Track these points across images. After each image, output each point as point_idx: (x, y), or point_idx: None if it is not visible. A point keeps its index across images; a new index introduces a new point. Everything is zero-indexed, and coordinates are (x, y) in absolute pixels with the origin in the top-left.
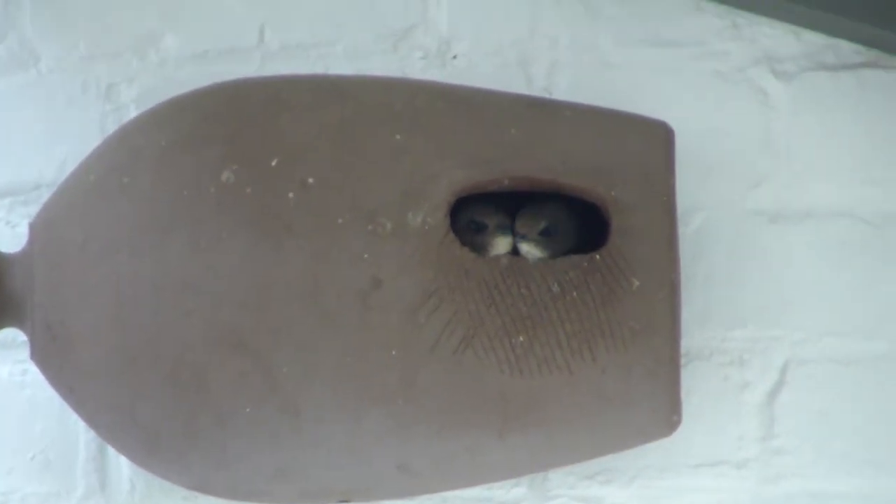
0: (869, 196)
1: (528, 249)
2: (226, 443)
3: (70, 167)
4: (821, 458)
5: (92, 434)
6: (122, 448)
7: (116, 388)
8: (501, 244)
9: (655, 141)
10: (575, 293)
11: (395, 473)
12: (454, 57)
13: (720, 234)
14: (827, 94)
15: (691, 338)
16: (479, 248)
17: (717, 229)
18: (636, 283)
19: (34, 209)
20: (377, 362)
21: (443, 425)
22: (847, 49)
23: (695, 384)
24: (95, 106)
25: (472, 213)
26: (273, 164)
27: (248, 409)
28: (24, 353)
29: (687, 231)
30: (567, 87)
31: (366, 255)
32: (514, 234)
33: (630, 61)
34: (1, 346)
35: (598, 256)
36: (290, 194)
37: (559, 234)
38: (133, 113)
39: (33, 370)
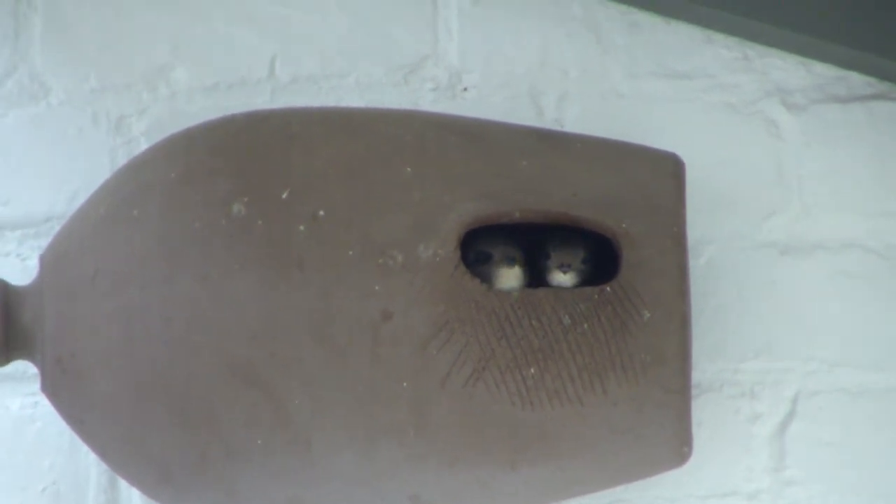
0: (880, 228)
1: (569, 279)
2: (236, 476)
3: (80, 200)
4: (832, 489)
5: (103, 466)
6: (133, 480)
7: (127, 420)
8: (507, 275)
9: (666, 173)
10: (586, 325)
11: None
12: (465, 89)
13: (731, 266)
14: (838, 126)
15: (702, 370)
16: (485, 279)
17: (728, 261)
18: (647, 315)
19: (44, 242)
20: (388, 395)
21: (454, 458)
22: (858, 81)
23: (705, 416)
24: (105, 139)
25: (479, 244)
26: (283, 196)
27: (259, 442)
28: (35, 385)
29: (698, 263)
30: (578, 118)
31: (376, 288)
32: (541, 262)
33: (640, 93)
34: (11, 378)
35: (608, 288)
36: (301, 227)
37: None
38: (143, 146)
39: (44, 402)
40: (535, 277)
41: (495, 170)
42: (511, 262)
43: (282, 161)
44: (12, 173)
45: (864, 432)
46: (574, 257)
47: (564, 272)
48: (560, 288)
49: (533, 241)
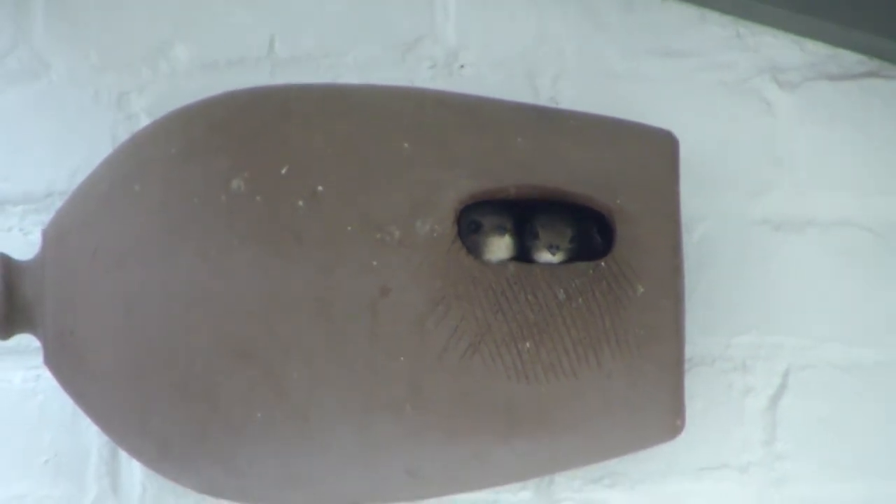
0: (872, 205)
1: (556, 259)
2: (236, 450)
3: (82, 176)
4: (823, 462)
5: (104, 438)
6: (134, 453)
7: (127, 395)
8: (497, 244)
9: (660, 150)
10: (581, 300)
11: (404, 479)
12: (462, 67)
13: (724, 242)
14: (830, 103)
15: (695, 344)
16: (476, 248)
17: (721, 238)
18: (641, 290)
19: (46, 217)
20: (385, 369)
21: (451, 431)
22: (850, 59)
23: (698, 389)
24: (106, 115)
25: (472, 214)
26: (283, 172)
27: (258, 416)
28: (37, 358)
29: (691, 239)
30: (573, 96)
31: (374, 264)
32: (528, 241)
33: (635, 71)
34: (14, 352)
35: (603, 264)
36: (300, 203)
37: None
38: (144, 122)
39: (46, 376)
40: (522, 255)
41: (491, 146)
42: (502, 231)
43: (281, 137)
44: (14, 149)
45: (855, 406)
46: (563, 238)
47: (553, 253)
48: (555, 263)
49: (522, 216)
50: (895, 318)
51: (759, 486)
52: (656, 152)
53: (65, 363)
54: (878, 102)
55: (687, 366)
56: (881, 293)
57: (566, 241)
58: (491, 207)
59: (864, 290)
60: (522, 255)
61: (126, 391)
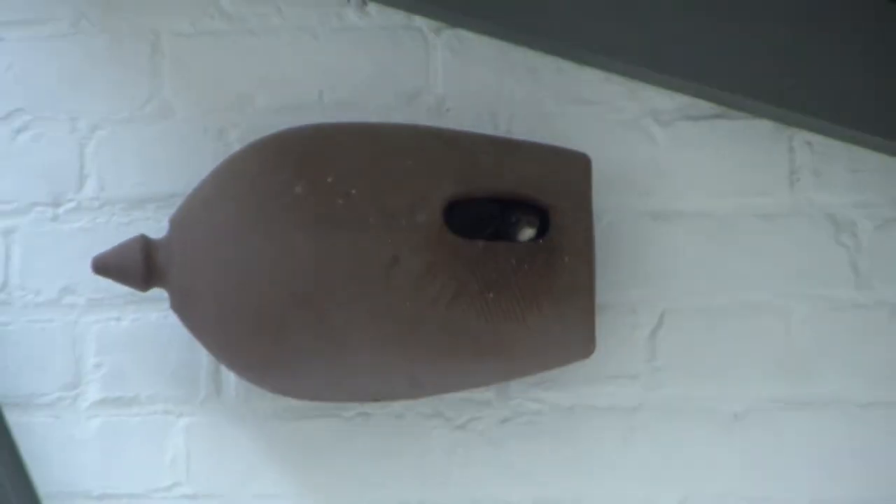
0: (718, 202)
1: (533, 231)
2: (297, 364)
3: (194, 183)
4: (686, 373)
5: (210, 357)
6: (230, 367)
7: (224, 328)
8: (527, 232)
9: (579, 166)
10: (527, 266)
11: (406, 384)
12: (447, 110)
13: (622, 228)
14: (692, 135)
15: (602, 296)
16: (513, 232)
17: (620, 225)
18: (567, 259)
19: (171, 210)
20: (395, 312)
21: (439, 353)
22: (704, 105)
23: (604, 325)
24: (211, 143)
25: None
26: (328, 181)
27: (310, 341)
28: (165, 305)
29: (600, 225)
30: (522, 130)
31: (388, 241)
32: (511, 226)
33: (563, 113)
34: (150, 300)
35: (541, 241)
36: (340, 201)
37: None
38: (236, 148)
39: (171, 316)
40: (479, 234)
41: (467, 164)
42: (533, 223)
43: (327, 158)
44: (150, 166)
45: (707, 336)
46: (534, 217)
47: (533, 226)
48: (510, 241)
49: (484, 212)
50: (734, 277)
51: (643, 388)
52: (577, 167)
53: (184, 308)
54: (723, 134)
55: (597, 310)
56: (725, 259)
57: (536, 220)
58: (473, 209)
59: (714, 258)
60: (490, 235)
61: (223, 326)
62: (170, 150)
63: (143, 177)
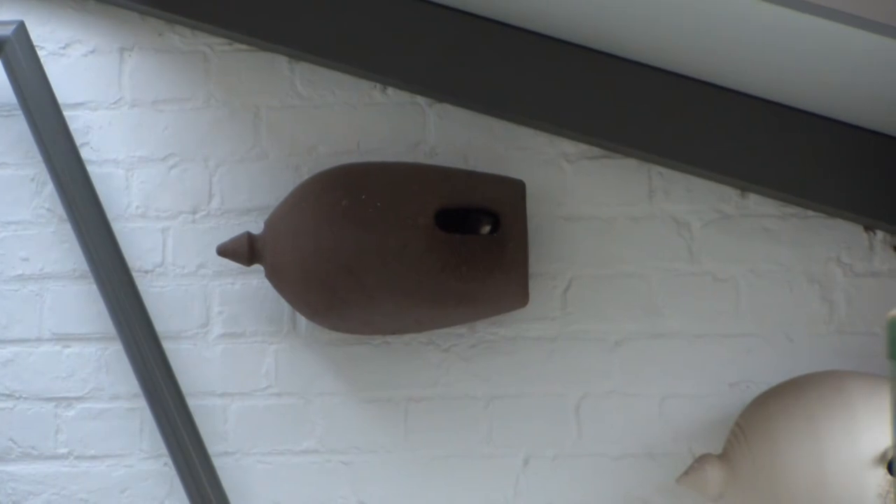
0: (604, 210)
1: (488, 229)
2: (344, 311)
3: (280, 199)
4: (585, 317)
5: (289, 307)
6: (303, 313)
7: (299, 289)
8: (486, 228)
9: (519, 188)
10: (486, 249)
11: (412, 324)
12: (437, 154)
13: (545, 226)
14: (588, 169)
15: (533, 269)
16: (477, 229)
17: (544, 225)
18: (510, 245)
19: (265, 215)
20: (406, 277)
21: (433, 304)
22: (596, 150)
23: (534, 286)
24: (291, 175)
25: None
26: (363, 197)
27: (352, 297)
28: (261, 274)
29: (531, 225)
30: (485, 166)
31: (402, 234)
32: (478, 225)
33: (510, 155)
34: (255, 271)
35: (495, 235)
36: (370, 210)
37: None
38: (306, 177)
39: (266, 283)
40: (459, 230)
41: (450, 187)
42: (490, 223)
43: (362, 182)
44: (253, 190)
45: (599, 294)
46: (490, 220)
47: (490, 224)
48: (476, 234)
49: (460, 217)
50: (614, 257)
51: (559, 326)
52: (517, 189)
53: (274, 277)
54: (608, 168)
55: (530, 277)
56: (609, 245)
57: (494, 223)
58: (465, 213)
59: (602, 244)
60: (464, 230)
61: (299, 287)
62: (265, 179)
63: (249, 195)
